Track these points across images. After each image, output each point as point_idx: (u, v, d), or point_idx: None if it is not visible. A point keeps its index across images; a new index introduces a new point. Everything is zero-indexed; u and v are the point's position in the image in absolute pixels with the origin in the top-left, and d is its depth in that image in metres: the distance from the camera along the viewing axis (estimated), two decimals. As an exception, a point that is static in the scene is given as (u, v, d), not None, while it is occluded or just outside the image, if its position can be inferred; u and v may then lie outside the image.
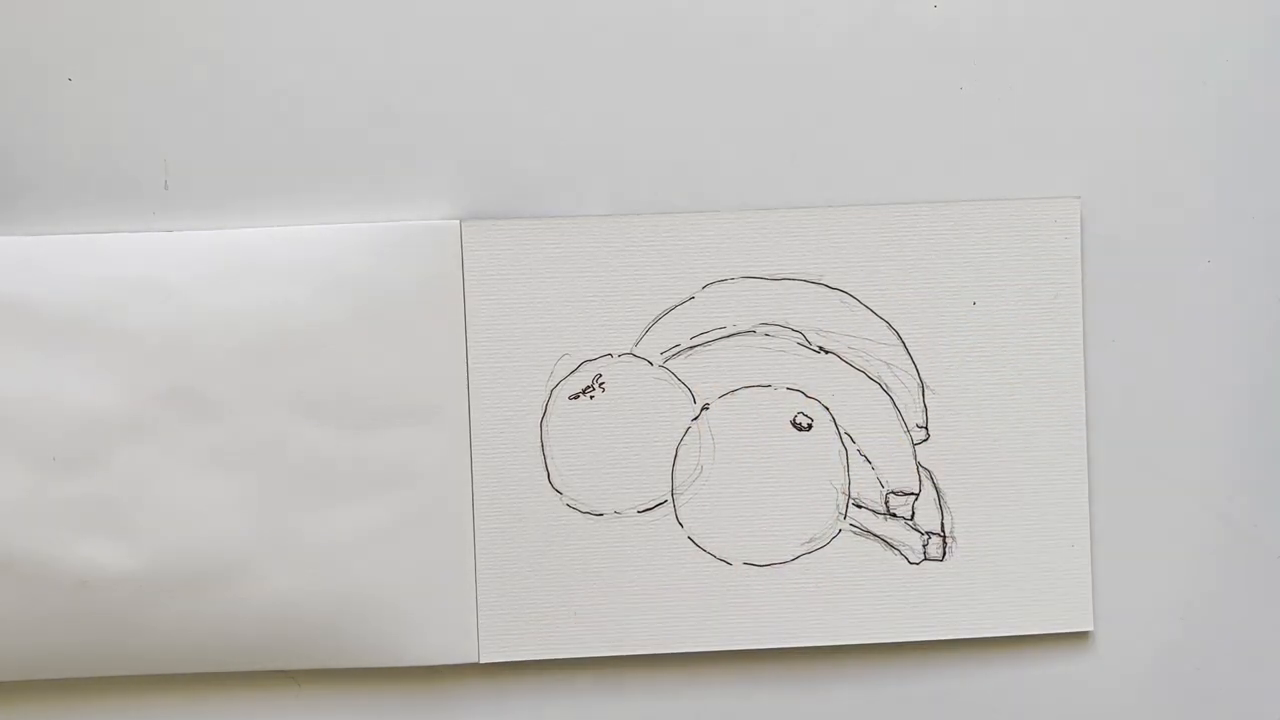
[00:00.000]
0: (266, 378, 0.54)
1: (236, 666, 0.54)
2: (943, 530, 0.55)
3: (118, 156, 0.55)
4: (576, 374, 0.55)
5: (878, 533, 0.55)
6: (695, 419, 0.55)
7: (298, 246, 0.54)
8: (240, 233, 0.55)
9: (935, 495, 0.55)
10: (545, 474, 0.55)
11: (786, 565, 0.55)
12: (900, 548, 0.56)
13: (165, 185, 0.55)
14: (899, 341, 0.55)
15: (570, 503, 0.55)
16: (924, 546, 0.55)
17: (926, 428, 0.56)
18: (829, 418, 0.55)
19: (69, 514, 0.54)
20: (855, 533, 0.55)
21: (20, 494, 0.54)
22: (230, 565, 0.54)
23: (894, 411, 0.56)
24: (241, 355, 0.54)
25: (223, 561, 0.54)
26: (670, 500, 0.55)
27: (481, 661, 0.55)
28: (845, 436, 0.55)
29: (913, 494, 0.56)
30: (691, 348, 0.55)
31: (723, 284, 0.55)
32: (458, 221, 0.55)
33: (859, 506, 0.55)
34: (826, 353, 0.55)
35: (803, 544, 0.55)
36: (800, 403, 0.55)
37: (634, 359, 0.55)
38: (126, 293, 0.54)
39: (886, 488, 0.56)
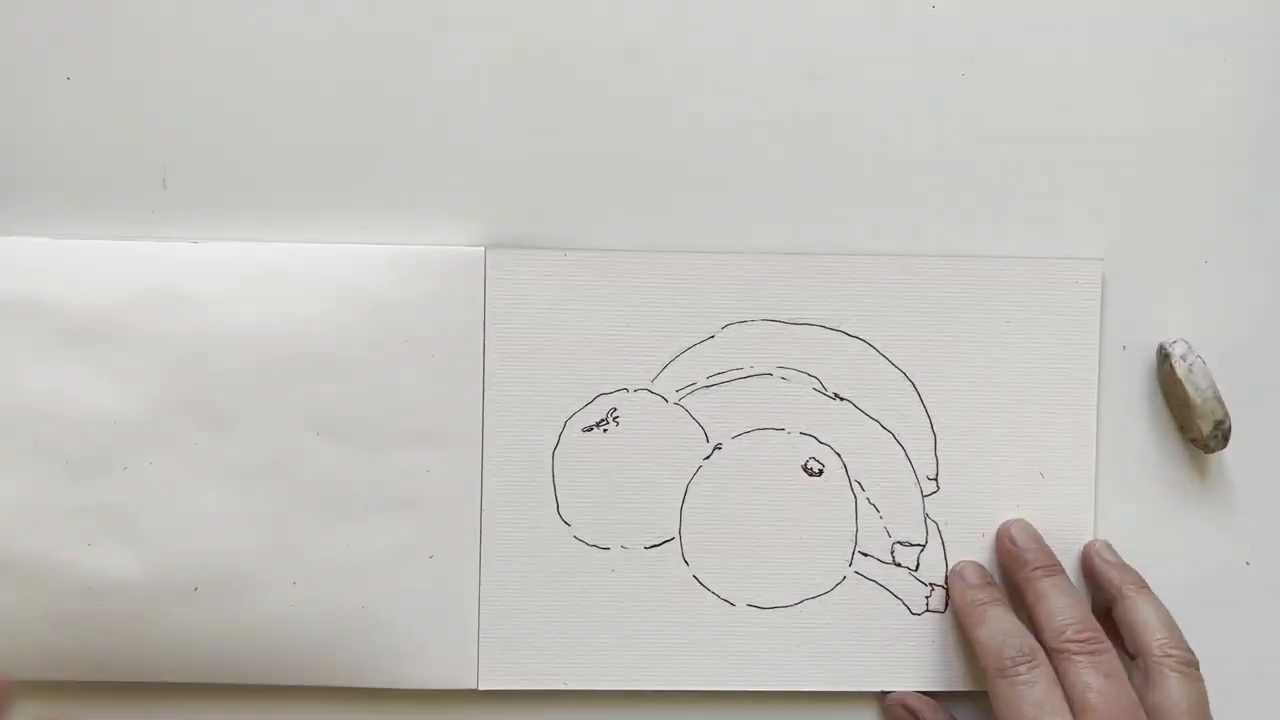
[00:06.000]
0: (282, 393, 0.54)
1: (235, 679, 0.54)
2: (947, 583, 0.56)
3: (120, 157, 0.55)
4: (591, 406, 0.55)
5: (882, 582, 0.56)
6: (707, 458, 0.55)
7: (321, 264, 0.54)
8: (264, 247, 0.54)
9: (941, 548, 0.56)
10: (555, 504, 0.55)
11: (789, 609, 0.55)
12: (903, 598, 0.56)
13: (164, 184, 0.55)
14: (914, 393, 0.55)
15: (577, 534, 0.55)
16: (927, 598, 0.56)
17: (937, 480, 0.56)
18: (840, 464, 0.56)
19: (79, 519, 0.54)
20: (859, 580, 0.56)
21: (31, 497, 0.54)
22: (235, 578, 0.54)
23: (906, 462, 0.56)
24: (258, 370, 0.54)
25: (228, 574, 0.54)
26: (677, 538, 0.55)
27: (480, 689, 0.55)
28: (855, 484, 0.56)
29: (919, 545, 0.56)
30: (708, 386, 0.55)
31: (742, 325, 0.55)
32: (483, 249, 0.55)
33: (865, 555, 0.56)
34: (841, 399, 0.56)
35: (807, 589, 0.55)
36: (812, 448, 0.55)
37: (649, 394, 0.55)
38: (149, 301, 0.54)
39: (893, 537, 0.56)
